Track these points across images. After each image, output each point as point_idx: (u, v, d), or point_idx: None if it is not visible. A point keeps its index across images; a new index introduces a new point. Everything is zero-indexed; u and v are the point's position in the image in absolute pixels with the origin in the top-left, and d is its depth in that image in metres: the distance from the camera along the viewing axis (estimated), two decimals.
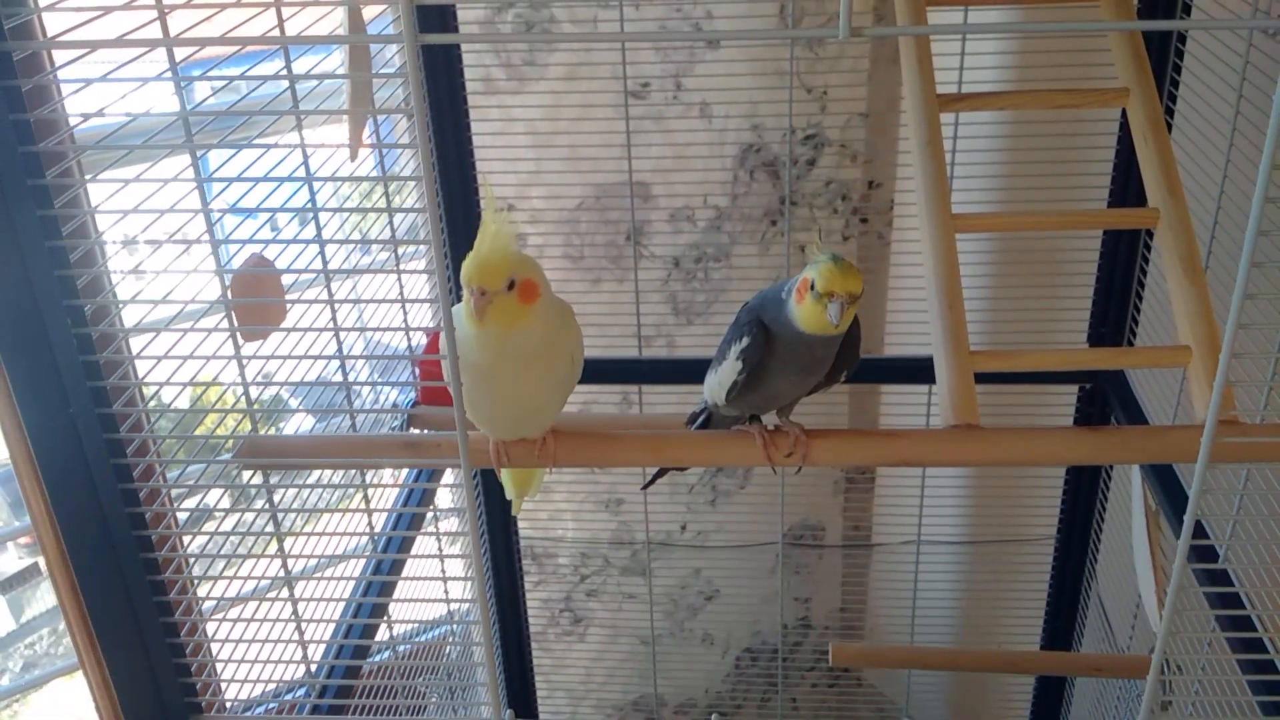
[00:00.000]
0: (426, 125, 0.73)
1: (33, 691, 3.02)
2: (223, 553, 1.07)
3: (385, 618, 1.40)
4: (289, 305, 1.01)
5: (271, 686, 1.16)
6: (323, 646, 1.33)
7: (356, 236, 1.49)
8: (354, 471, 1.19)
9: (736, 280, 2.13)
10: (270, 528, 1.04)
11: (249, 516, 1.15)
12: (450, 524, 2.01)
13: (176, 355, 0.91)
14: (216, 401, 1.09)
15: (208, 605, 1.12)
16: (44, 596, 3.11)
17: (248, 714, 1.21)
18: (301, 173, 1.04)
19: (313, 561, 1.13)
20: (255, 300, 0.92)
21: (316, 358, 0.99)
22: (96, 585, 0.96)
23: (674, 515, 2.37)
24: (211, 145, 0.93)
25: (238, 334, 0.95)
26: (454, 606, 1.31)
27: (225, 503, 1.32)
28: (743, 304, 1.04)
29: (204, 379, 0.99)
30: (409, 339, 1.10)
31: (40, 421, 0.86)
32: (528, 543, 2.34)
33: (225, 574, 1.08)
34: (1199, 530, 1.31)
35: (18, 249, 0.82)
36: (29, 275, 0.83)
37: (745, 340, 0.98)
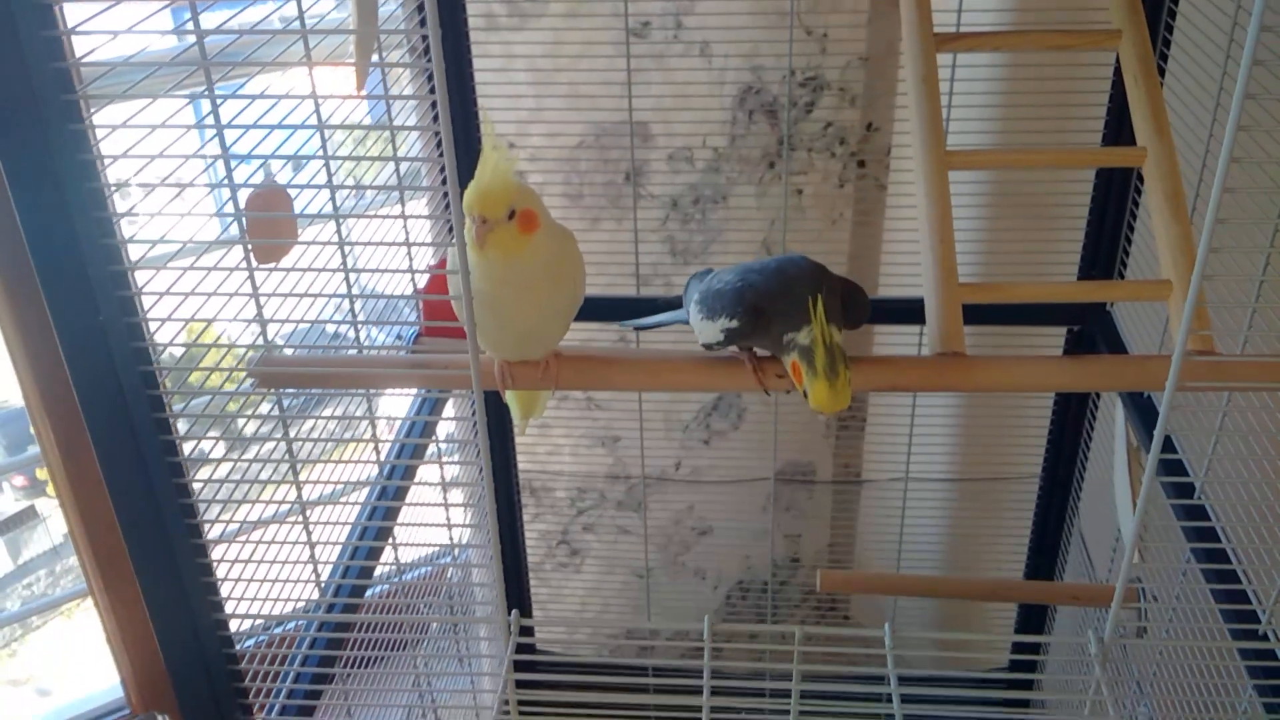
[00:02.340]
0: (439, 40, 0.76)
1: (32, 631, 3.08)
2: (235, 471, 1.11)
3: (391, 541, 1.44)
4: (301, 226, 1.04)
5: (284, 610, 1.20)
6: (330, 571, 1.38)
7: (363, 168, 1.52)
8: (360, 399, 1.23)
9: (734, 222, 2.16)
10: (282, 450, 1.08)
11: (263, 437, 1.19)
12: (453, 457, 2.06)
13: (201, 267, 0.95)
14: (230, 323, 1.12)
15: (219, 528, 1.16)
16: (41, 538, 3.15)
17: (268, 631, 1.25)
18: (309, 106, 1.06)
19: (323, 487, 1.17)
20: (267, 215, 0.96)
21: (326, 270, 1.02)
22: (128, 495, 1.00)
23: (669, 453, 2.42)
24: (231, 64, 0.95)
25: (251, 253, 0.98)
26: (456, 535, 1.36)
27: (238, 425, 1.36)
28: (753, 268, 1.04)
29: (218, 299, 1.02)
30: (410, 256, 1.13)
31: (72, 326, 0.91)
32: (526, 477, 2.39)
33: (236, 497, 1.11)
34: (1178, 467, 1.35)
35: (52, 163, 0.85)
36: (62, 189, 0.86)
37: (735, 323, 1.01)
